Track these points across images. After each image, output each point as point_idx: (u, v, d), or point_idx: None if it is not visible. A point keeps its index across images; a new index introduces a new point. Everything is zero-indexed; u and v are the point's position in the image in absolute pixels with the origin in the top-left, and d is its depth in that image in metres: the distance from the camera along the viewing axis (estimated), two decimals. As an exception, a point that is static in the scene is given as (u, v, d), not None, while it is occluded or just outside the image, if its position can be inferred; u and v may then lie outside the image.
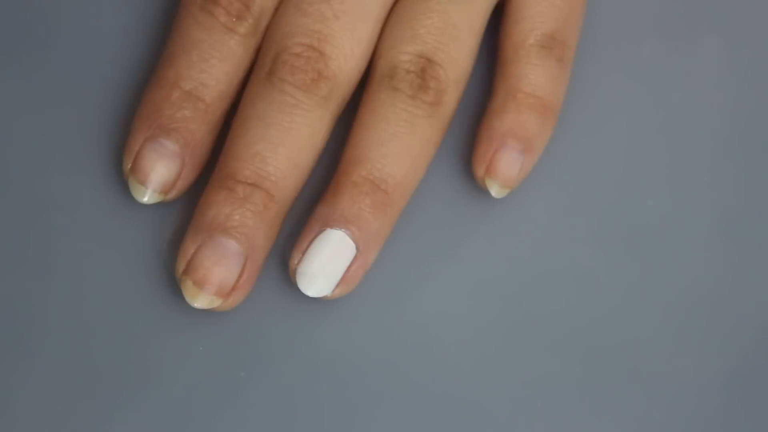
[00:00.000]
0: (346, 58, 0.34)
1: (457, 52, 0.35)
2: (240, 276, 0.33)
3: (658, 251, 0.36)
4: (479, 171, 0.35)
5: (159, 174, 0.34)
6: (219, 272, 0.33)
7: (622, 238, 0.36)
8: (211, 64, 0.34)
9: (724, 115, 0.37)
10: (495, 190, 0.35)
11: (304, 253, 0.34)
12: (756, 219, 0.36)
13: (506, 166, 0.35)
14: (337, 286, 0.34)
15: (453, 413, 0.34)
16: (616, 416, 0.35)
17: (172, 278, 0.35)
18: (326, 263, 0.34)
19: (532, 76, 0.35)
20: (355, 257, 0.34)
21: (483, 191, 0.36)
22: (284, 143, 0.34)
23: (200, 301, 0.33)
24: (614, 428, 0.35)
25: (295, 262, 0.34)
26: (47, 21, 0.37)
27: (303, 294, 0.34)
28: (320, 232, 0.34)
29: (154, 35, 0.37)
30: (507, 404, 0.35)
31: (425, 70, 0.34)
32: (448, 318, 0.35)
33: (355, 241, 0.34)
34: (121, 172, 0.35)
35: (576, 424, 0.35)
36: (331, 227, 0.34)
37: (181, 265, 0.33)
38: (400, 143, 0.34)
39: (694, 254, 0.36)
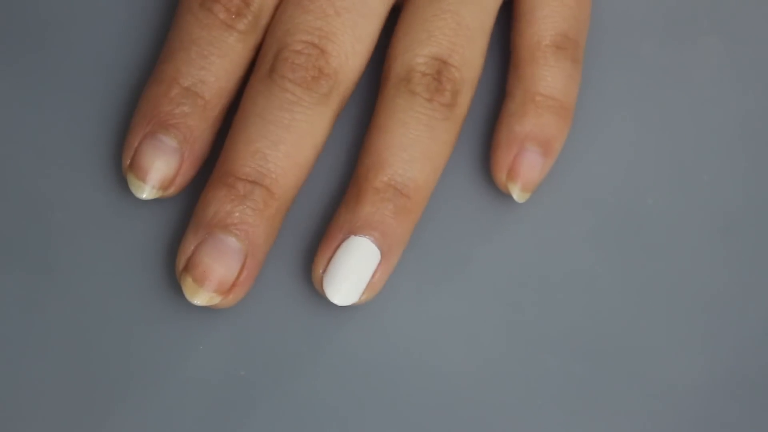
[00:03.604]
0: (348, 56, 0.34)
1: (470, 53, 0.35)
2: (240, 273, 0.33)
3: (658, 250, 0.36)
4: (500, 175, 0.35)
5: (158, 170, 0.34)
6: (219, 269, 0.33)
7: (623, 236, 0.36)
8: (209, 60, 0.34)
9: (724, 114, 0.38)
10: (517, 194, 0.35)
11: (329, 261, 0.34)
12: (756, 218, 0.37)
13: (528, 170, 0.35)
14: (363, 292, 0.34)
15: (456, 412, 0.34)
16: (618, 415, 0.35)
17: (171, 275, 0.35)
18: (352, 271, 0.34)
19: (550, 78, 0.35)
20: (380, 263, 0.34)
21: (485, 192, 0.36)
22: (285, 141, 0.34)
23: (200, 298, 0.33)
24: (617, 427, 0.35)
25: (321, 270, 0.34)
26: (47, 19, 0.37)
27: (304, 292, 0.35)
28: (344, 239, 0.34)
29: (154, 32, 0.37)
30: (512, 406, 0.35)
31: (441, 72, 0.34)
32: (452, 318, 0.35)
33: (379, 247, 0.34)
34: (120, 168, 0.35)
35: (581, 425, 0.35)
36: (356, 234, 0.34)
37: (180, 262, 0.33)
38: (421, 147, 0.34)
39: (694, 253, 0.36)
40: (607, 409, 0.35)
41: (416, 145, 0.34)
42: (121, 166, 0.35)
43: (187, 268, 0.33)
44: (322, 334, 0.35)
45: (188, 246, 0.33)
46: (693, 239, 0.36)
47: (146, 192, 0.34)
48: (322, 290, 0.34)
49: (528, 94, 0.35)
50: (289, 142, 0.34)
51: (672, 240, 0.36)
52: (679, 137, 0.37)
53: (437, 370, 0.35)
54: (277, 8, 0.35)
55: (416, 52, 0.35)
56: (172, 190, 0.34)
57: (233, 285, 0.33)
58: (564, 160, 0.36)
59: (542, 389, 0.35)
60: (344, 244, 0.34)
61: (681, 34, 0.38)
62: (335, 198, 0.36)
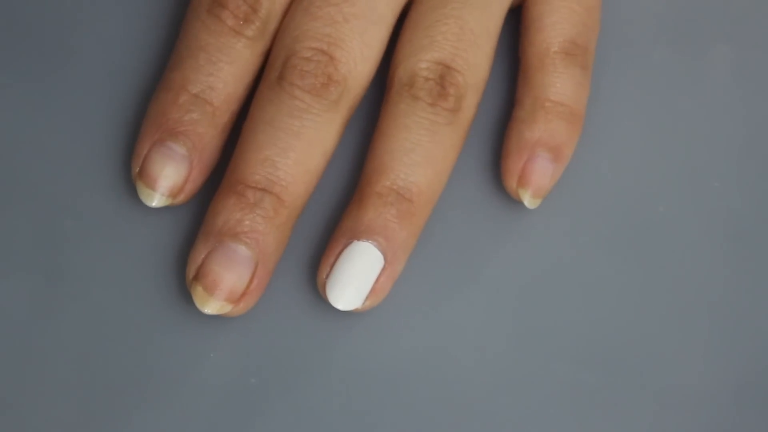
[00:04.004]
0: (356, 62, 0.34)
1: (474, 58, 0.35)
2: (250, 281, 0.33)
3: (670, 257, 0.36)
4: (511, 182, 0.35)
5: (167, 178, 0.34)
6: (229, 278, 0.33)
7: (634, 243, 0.36)
8: (218, 67, 0.34)
9: (735, 121, 0.37)
10: (528, 200, 0.35)
11: (332, 266, 0.34)
12: (767, 225, 0.37)
13: (538, 176, 0.35)
14: (367, 298, 0.34)
15: (465, 419, 0.34)
16: (630, 423, 0.35)
17: (182, 283, 0.35)
18: (355, 276, 0.34)
19: (559, 84, 0.35)
20: (383, 268, 0.34)
21: (496, 199, 0.36)
22: (294, 148, 0.34)
23: (210, 306, 0.33)
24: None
25: (324, 275, 0.34)
26: (56, 27, 0.37)
27: (314, 300, 0.34)
28: (347, 244, 0.34)
29: (163, 39, 0.37)
30: (523, 413, 0.35)
31: (444, 76, 0.34)
32: (462, 325, 0.35)
33: (382, 252, 0.34)
34: (129, 176, 0.35)
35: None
36: (358, 239, 0.34)
37: (191, 271, 0.33)
38: (423, 151, 0.34)
39: (705, 260, 0.36)
40: (619, 417, 0.35)
41: (418, 149, 0.34)
42: (130, 173, 0.35)
43: (197, 277, 0.33)
44: (333, 341, 0.35)
45: (198, 255, 0.33)
46: (705, 246, 0.36)
47: (156, 200, 0.34)
48: (325, 296, 0.34)
49: (537, 101, 0.35)
50: (298, 150, 0.34)
51: (683, 247, 0.36)
52: (690, 144, 0.37)
53: (446, 377, 0.35)
54: (285, 14, 0.35)
55: (419, 57, 0.35)
56: (181, 198, 0.34)
57: (244, 293, 0.33)
58: (575, 166, 0.36)
59: (553, 397, 0.35)
60: (347, 249, 0.34)
61: (691, 40, 0.38)
62: (343, 204, 0.36)
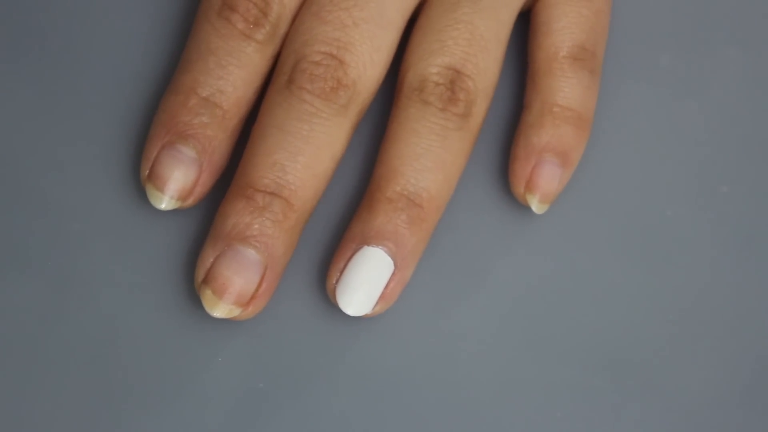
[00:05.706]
0: (366, 66, 0.34)
1: (484, 63, 0.35)
2: (259, 285, 0.33)
3: (677, 262, 0.36)
4: (519, 187, 0.35)
5: (176, 180, 0.34)
6: (238, 281, 0.33)
7: (641, 248, 0.36)
8: (228, 70, 0.34)
9: (742, 125, 0.37)
10: (535, 206, 0.35)
11: (342, 271, 0.34)
12: (775, 230, 0.37)
13: (546, 181, 0.35)
14: (377, 303, 0.34)
15: (473, 425, 0.34)
16: (638, 429, 0.35)
17: (190, 287, 0.35)
18: (365, 281, 0.34)
19: (567, 89, 0.35)
20: (393, 274, 0.34)
21: (503, 204, 0.36)
22: (303, 152, 0.34)
23: (219, 310, 0.33)
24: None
25: (334, 281, 0.34)
26: (65, 30, 0.37)
27: (324, 305, 0.34)
28: (357, 249, 0.34)
29: (173, 42, 0.37)
30: (531, 419, 0.35)
31: (454, 81, 0.34)
32: (470, 330, 0.35)
33: (392, 258, 0.34)
34: (138, 179, 0.35)
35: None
36: (368, 245, 0.34)
37: (200, 275, 0.33)
38: (433, 157, 0.34)
39: (713, 265, 0.36)
40: (627, 422, 0.35)
41: (428, 154, 0.34)
42: (139, 176, 0.35)
43: (206, 281, 0.33)
44: (341, 346, 0.35)
45: (207, 258, 0.33)
46: (712, 251, 0.36)
47: (165, 202, 0.34)
48: (335, 301, 0.34)
49: (545, 106, 0.35)
50: (307, 154, 0.34)
51: (691, 252, 0.36)
52: (698, 148, 0.37)
53: (455, 383, 0.35)
54: (295, 18, 0.35)
55: (429, 61, 0.35)
56: (190, 201, 0.34)
57: (253, 297, 0.33)
58: (582, 171, 0.36)
59: (561, 402, 0.35)
60: (357, 255, 0.34)
61: (699, 45, 0.38)
62: (353, 209, 0.36)
